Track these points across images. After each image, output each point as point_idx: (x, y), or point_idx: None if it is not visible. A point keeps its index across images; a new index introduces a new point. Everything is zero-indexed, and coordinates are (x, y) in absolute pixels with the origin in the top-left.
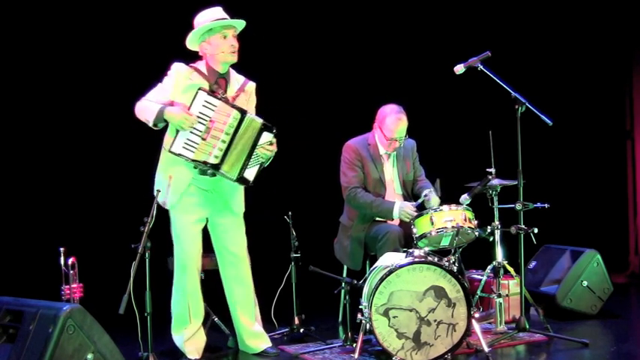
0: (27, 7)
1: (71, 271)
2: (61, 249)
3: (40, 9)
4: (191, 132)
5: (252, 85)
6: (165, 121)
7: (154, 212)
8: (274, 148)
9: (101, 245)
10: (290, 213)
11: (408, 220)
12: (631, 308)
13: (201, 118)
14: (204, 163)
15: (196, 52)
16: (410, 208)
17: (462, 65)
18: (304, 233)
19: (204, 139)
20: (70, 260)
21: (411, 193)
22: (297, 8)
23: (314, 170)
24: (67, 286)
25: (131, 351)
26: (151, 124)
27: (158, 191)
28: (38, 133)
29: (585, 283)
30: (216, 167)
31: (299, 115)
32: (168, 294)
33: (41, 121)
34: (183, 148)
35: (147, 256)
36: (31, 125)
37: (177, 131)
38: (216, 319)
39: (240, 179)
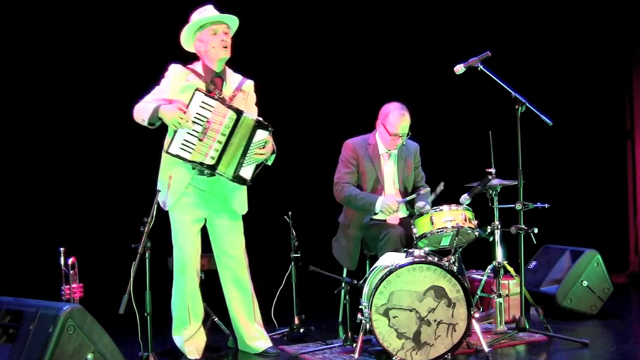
0: (27, 7)
1: (71, 271)
2: (61, 249)
3: (40, 9)
4: (188, 132)
5: (250, 84)
6: (160, 119)
7: (154, 212)
8: (269, 148)
9: (101, 245)
10: (290, 213)
11: (388, 215)
12: (631, 308)
13: (198, 118)
14: (201, 164)
15: (194, 54)
16: (393, 202)
17: (462, 65)
18: (304, 233)
19: (201, 140)
20: (70, 260)
21: (409, 194)
22: (297, 8)
23: (314, 170)
24: (67, 286)
25: (131, 351)
26: (145, 124)
27: (158, 191)
28: (38, 134)
29: (585, 283)
30: (212, 168)
31: (299, 115)
32: (168, 294)
33: (41, 122)
34: (181, 149)
35: (147, 256)
36: (31, 125)
37: (175, 132)
38: (216, 319)
39: (237, 178)
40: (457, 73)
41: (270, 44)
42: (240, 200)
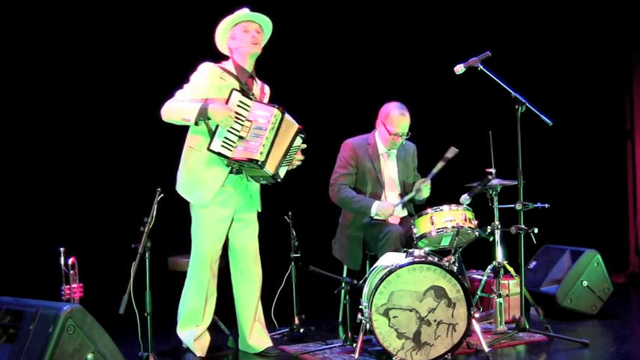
0: (26, 6)
1: (71, 271)
2: (61, 249)
3: (41, 9)
4: (229, 131)
5: (268, 89)
6: (208, 118)
7: (154, 212)
8: (300, 155)
9: (101, 245)
10: (290, 213)
11: (384, 218)
12: (631, 308)
13: (237, 117)
14: (250, 160)
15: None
16: (389, 206)
17: (462, 65)
18: (304, 233)
19: (242, 138)
20: (70, 260)
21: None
22: (296, 7)
23: (314, 170)
24: (67, 286)
25: (131, 351)
26: (192, 123)
27: (158, 191)
28: (38, 133)
29: (585, 283)
30: (261, 164)
31: (299, 115)
32: (168, 294)
33: (41, 122)
34: (222, 146)
35: (147, 256)
36: (31, 125)
37: (216, 130)
38: (216, 318)
39: (275, 175)
40: (457, 73)
41: (269, 44)
42: (259, 198)
